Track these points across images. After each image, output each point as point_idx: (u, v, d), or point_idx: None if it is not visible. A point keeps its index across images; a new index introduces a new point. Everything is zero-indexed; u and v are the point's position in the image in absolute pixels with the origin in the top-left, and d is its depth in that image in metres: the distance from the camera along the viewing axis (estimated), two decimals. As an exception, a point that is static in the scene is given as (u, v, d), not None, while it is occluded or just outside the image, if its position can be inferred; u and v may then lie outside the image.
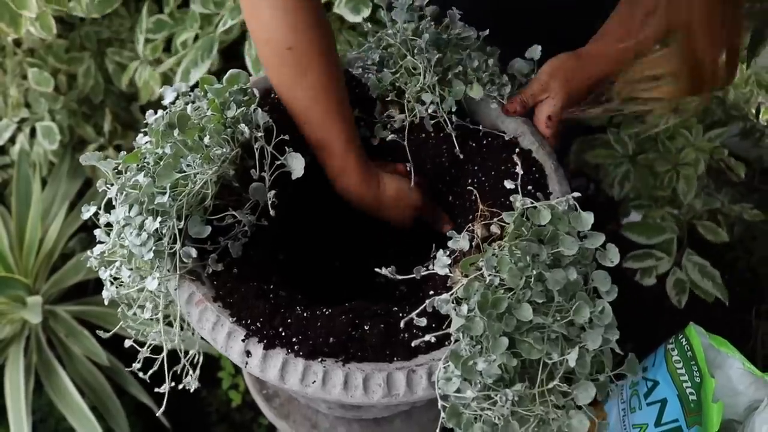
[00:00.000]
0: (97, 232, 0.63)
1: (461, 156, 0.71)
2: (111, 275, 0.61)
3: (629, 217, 1.21)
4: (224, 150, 0.59)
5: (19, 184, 1.27)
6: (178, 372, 0.65)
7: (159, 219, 0.55)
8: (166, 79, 1.22)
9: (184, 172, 0.57)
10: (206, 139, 0.59)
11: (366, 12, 0.96)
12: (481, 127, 0.72)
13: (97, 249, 0.63)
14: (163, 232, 0.56)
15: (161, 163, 0.57)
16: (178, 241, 0.57)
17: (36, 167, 1.27)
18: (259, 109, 0.63)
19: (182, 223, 0.57)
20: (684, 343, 0.93)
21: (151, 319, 0.63)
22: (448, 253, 0.60)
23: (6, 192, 1.37)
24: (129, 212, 0.58)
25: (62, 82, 1.28)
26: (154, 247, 0.56)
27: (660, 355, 0.97)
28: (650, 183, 1.07)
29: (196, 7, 1.08)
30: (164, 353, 0.60)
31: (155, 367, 0.64)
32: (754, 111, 1.47)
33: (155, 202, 0.56)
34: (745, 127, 1.46)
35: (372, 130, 0.75)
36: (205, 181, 0.58)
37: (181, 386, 0.65)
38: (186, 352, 0.64)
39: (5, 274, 1.19)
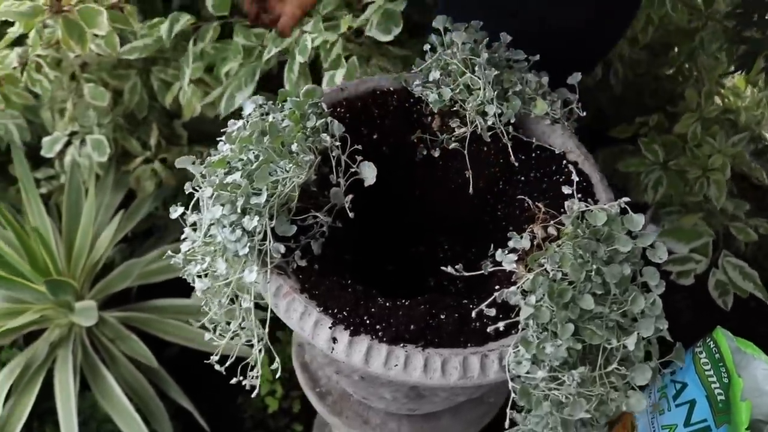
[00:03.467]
0: (186, 230, 0.69)
1: (516, 164, 0.77)
2: (201, 270, 0.66)
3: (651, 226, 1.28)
4: (310, 157, 0.65)
5: (70, 194, 1.33)
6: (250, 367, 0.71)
7: (257, 218, 0.61)
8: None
9: (275, 176, 0.64)
10: (294, 146, 0.65)
11: (396, 31, 1.04)
12: (534, 140, 0.79)
13: (184, 246, 0.69)
14: (257, 230, 0.62)
15: (256, 167, 0.63)
16: (269, 238, 0.63)
17: (87, 178, 1.33)
18: (335, 120, 0.70)
19: (272, 222, 0.63)
20: (712, 346, 0.99)
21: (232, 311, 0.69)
22: (508, 251, 0.66)
23: (53, 201, 1.43)
24: (223, 211, 0.63)
25: (109, 97, 1.35)
26: (248, 243, 0.62)
27: (688, 358, 1.03)
28: (681, 189, 1.14)
29: (239, 39, 1.16)
30: (257, 348, 0.65)
31: (231, 360, 0.70)
32: (766, 134, 1.55)
33: (251, 203, 0.62)
34: (756, 148, 1.53)
35: (428, 144, 0.82)
36: (294, 184, 0.64)
37: (245, 382, 0.70)
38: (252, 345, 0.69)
39: (58, 277, 1.25)
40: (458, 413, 0.95)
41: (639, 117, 1.27)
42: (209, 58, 1.24)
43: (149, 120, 1.41)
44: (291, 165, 0.63)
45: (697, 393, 1.00)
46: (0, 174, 1.51)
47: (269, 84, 1.27)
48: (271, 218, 0.63)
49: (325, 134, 0.68)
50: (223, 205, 0.64)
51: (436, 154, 0.81)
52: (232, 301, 0.68)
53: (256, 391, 0.70)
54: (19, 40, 1.21)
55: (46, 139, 1.32)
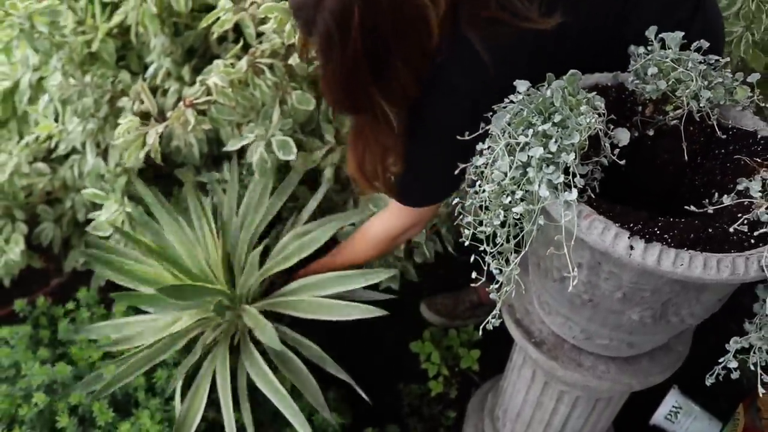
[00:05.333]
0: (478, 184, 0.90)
1: (721, 138, 0.99)
2: (514, 199, 0.87)
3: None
4: (593, 118, 0.87)
5: (252, 193, 1.56)
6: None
7: (572, 155, 0.82)
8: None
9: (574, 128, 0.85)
10: (583, 108, 0.87)
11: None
12: (730, 122, 1.01)
13: (479, 197, 0.90)
14: (568, 164, 0.83)
15: (561, 120, 0.85)
16: (574, 172, 0.84)
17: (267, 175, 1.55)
18: (599, 96, 0.92)
19: (576, 160, 0.84)
20: None
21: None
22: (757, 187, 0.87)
23: (218, 202, 1.63)
24: (532, 155, 0.84)
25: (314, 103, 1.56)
26: (562, 174, 0.83)
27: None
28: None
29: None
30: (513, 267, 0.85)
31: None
32: None
33: (565, 143, 0.83)
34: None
35: (639, 127, 1.04)
36: (587, 134, 0.85)
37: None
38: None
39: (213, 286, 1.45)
40: (654, 359, 1.12)
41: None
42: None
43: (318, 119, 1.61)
44: (586, 120, 0.85)
45: None
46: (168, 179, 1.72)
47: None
48: (575, 157, 0.84)
49: (592, 108, 0.90)
50: (542, 146, 0.85)
51: (651, 133, 1.03)
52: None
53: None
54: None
55: (232, 140, 1.51)
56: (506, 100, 0.95)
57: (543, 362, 1.13)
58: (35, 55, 1.60)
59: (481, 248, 0.92)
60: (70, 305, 1.54)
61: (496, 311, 0.95)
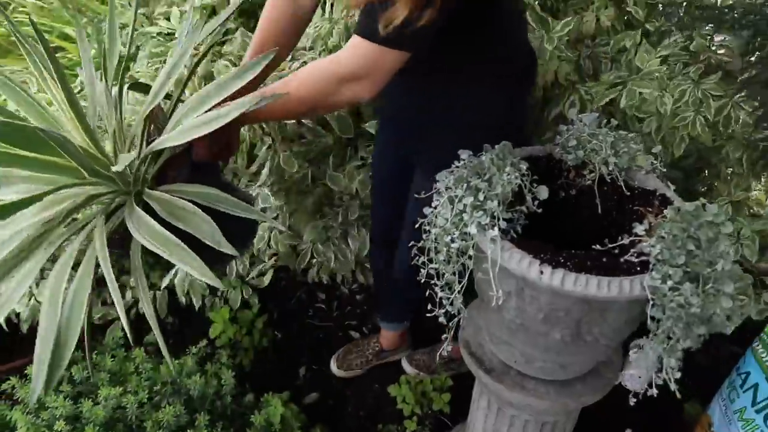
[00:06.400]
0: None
1: (628, 194, 1.24)
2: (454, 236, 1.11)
3: None
4: (515, 175, 1.12)
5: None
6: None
7: (496, 203, 1.07)
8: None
9: (501, 183, 1.10)
10: (507, 169, 1.12)
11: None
12: (636, 183, 1.26)
13: (429, 239, 1.14)
14: (493, 211, 1.08)
15: (488, 178, 1.10)
16: (498, 216, 1.08)
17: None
18: (524, 161, 1.17)
19: (500, 207, 1.09)
20: (766, 339, 1.38)
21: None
22: (634, 231, 1.11)
23: None
24: (472, 200, 1.09)
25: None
26: (488, 219, 1.07)
27: (749, 353, 1.41)
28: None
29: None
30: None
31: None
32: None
33: (491, 194, 1.08)
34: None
35: (564, 187, 1.29)
36: (510, 187, 1.10)
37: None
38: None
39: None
40: (586, 382, 1.32)
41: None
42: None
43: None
44: (507, 177, 1.10)
45: (759, 378, 1.37)
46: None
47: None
48: (499, 204, 1.09)
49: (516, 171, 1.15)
50: (472, 196, 1.10)
51: (573, 192, 1.28)
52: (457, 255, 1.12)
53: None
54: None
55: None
56: (453, 166, 1.21)
57: (492, 385, 1.33)
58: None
59: (433, 282, 1.15)
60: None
61: (447, 336, 1.17)
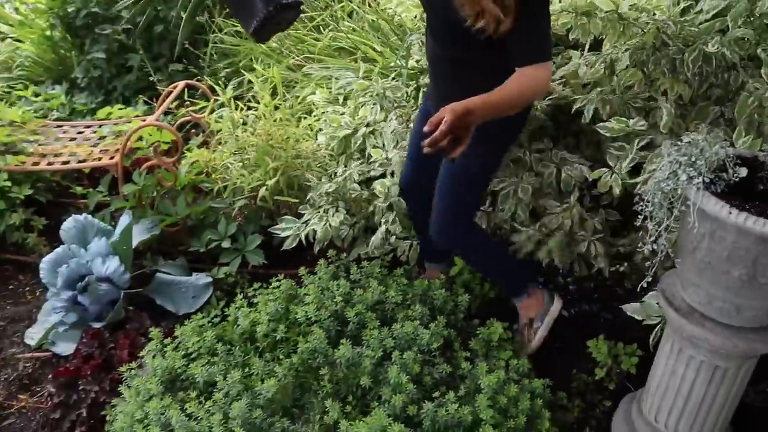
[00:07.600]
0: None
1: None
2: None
3: None
4: (718, 149, 1.55)
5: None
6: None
7: (705, 166, 1.51)
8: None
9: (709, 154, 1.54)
10: (713, 148, 1.55)
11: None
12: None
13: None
14: (702, 170, 1.51)
15: (705, 153, 1.54)
16: (704, 177, 1.51)
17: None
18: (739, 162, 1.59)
19: (707, 167, 1.52)
20: None
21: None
22: None
23: None
24: (685, 162, 1.54)
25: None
26: (698, 176, 1.51)
27: None
28: None
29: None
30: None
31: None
32: None
33: (698, 161, 1.52)
34: None
35: (764, 182, 1.66)
36: (713, 159, 1.53)
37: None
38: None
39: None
40: (758, 333, 1.65)
41: None
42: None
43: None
44: (714, 149, 1.53)
45: None
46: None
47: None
48: (705, 164, 1.51)
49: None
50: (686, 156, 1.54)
51: (769, 182, 1.65)
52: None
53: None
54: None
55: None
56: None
57: (677, 321, 1.71)
58: (380, 112, 2.61)
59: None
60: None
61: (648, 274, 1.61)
